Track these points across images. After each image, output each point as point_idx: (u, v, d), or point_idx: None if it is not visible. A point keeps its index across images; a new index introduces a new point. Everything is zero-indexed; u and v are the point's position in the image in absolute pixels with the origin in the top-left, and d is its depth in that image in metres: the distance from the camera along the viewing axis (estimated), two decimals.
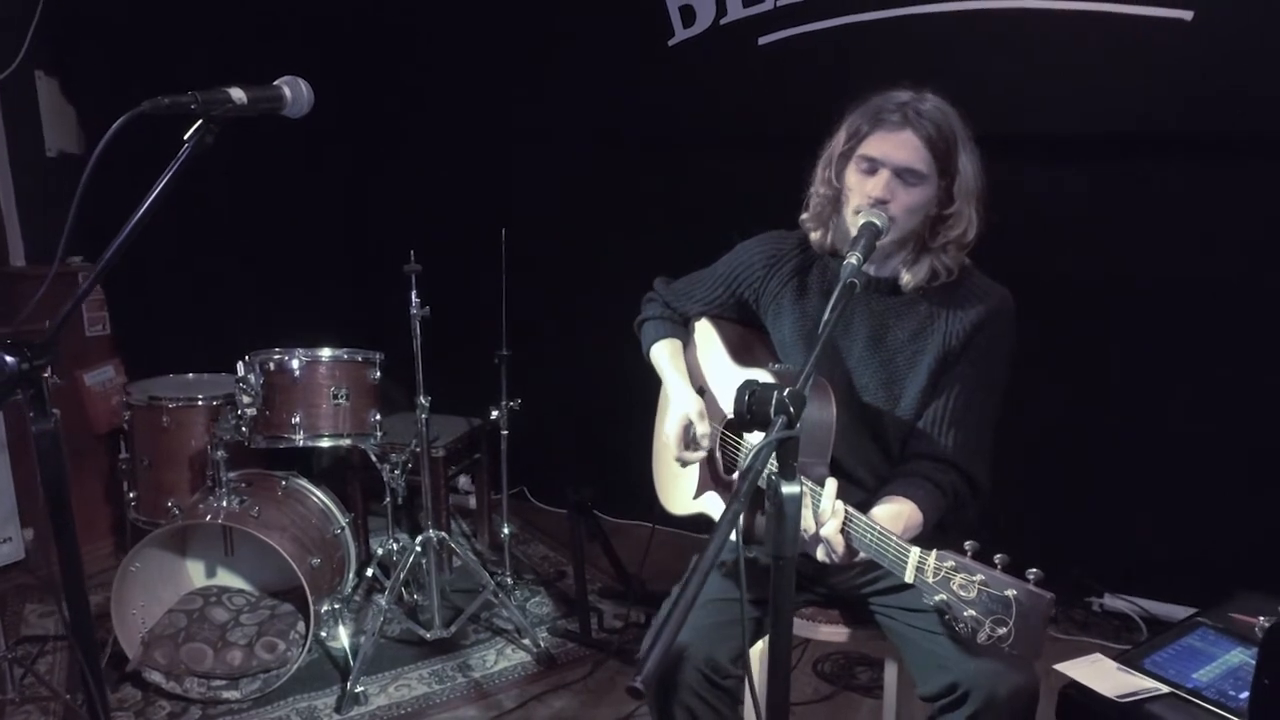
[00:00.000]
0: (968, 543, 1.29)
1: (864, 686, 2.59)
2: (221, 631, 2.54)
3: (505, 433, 3.01)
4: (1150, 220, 2.74)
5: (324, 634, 2.69)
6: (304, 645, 2.49)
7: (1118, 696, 1.52)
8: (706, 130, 3.27)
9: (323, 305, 3.62)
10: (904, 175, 1.59)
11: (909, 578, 1.34)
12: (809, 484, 1.45)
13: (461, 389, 3.20)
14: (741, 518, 1.76)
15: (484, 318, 3.03)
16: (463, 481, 3.74)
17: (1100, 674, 1.60)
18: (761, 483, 1.69)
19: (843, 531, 1.45)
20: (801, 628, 1.88)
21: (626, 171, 3.46)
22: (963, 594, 1.25)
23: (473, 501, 3.67)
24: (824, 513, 1.43)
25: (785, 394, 1.27)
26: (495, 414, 2.97)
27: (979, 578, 1.24)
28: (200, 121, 1.41)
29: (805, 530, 1.45)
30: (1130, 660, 1.63)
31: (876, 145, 1.61)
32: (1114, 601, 2.85)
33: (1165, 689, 1.54)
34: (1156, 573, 2.83)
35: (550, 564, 3.38)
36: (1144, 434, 2.82)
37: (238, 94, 1.42)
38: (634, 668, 2.83)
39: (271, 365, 2.51)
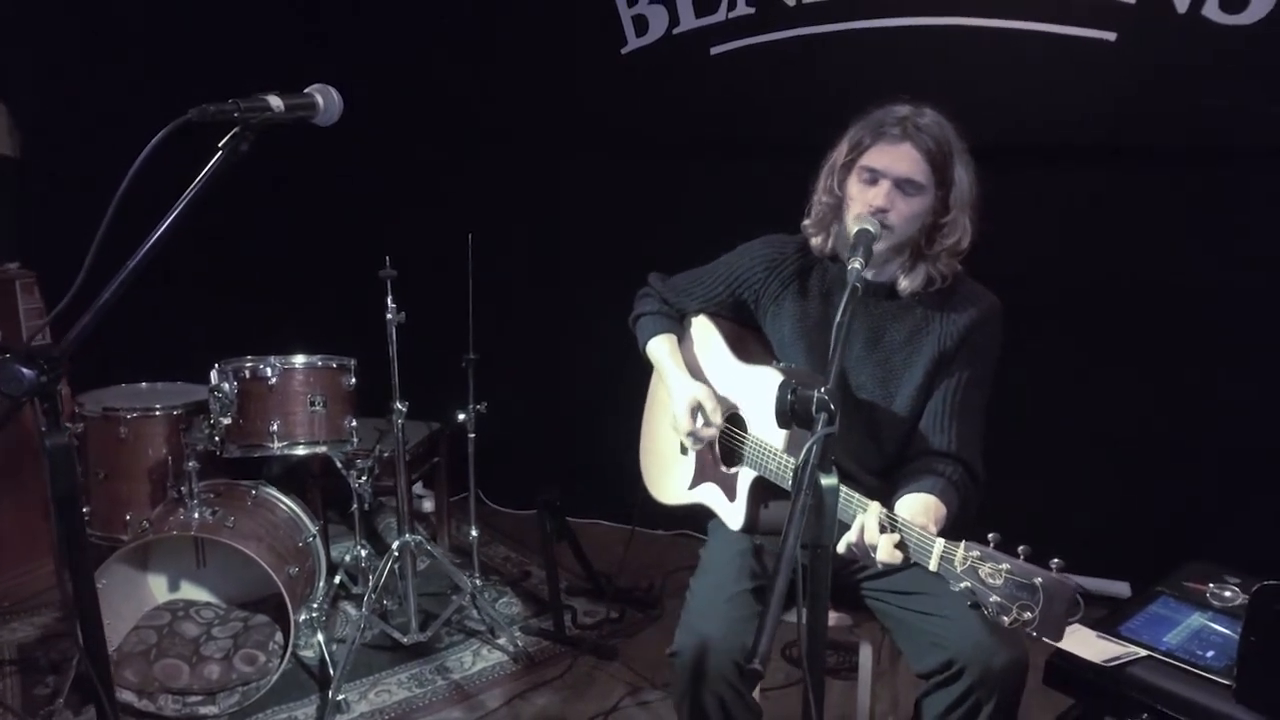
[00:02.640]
0: (991, 535, 1.37)
1: (832, 669, 2.71)
2: (195, 646, 2.48)
3: (472, 435, 3.01)
4: (1078, 225, 2.96)
5: (300, 643, 2.65)
6: (284, 656, 2.45)
7: (1104, 661, 1.68)
8: (662, 137, 3.35)
9: (274, 310, 3.54)
10: (903, 186, 1.69)
11: (933, 566, 1.41)
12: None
13: (417, 393, 3.19)
14: (747, 510, 1.86)
15: (439, 322, 3.03)
16: (415, 486, 3.72)
17: (1083, 642, 1.75)
18: (767, 474, 1.79)
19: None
20: (794, 615, 1.97)
21: (582, 177, 3.51)
22: (990, 581, 1.33)
23: (426, 505, 3.66)
24: (871, 536, 1.49)
25: (824, 392, 1.36)
26: (462, 417, 2.97)
27: (1005, 566, 1.31)
28: (237, 129, 1.40)
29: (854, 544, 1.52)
30: (1107, 628, 1.78)
31: (877, 157, 1.70)
32: None
33: (1143, 652, 1.70)
34: (1088, 550, 3.05)
35: (513, 564, 3.40)
36: (1075, 422, 3.04)
37: (275, 102, 1.43)
38: (613, 662, 2.87)
39: (246, 373, 2.46)
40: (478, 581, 3.04)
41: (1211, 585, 1.93)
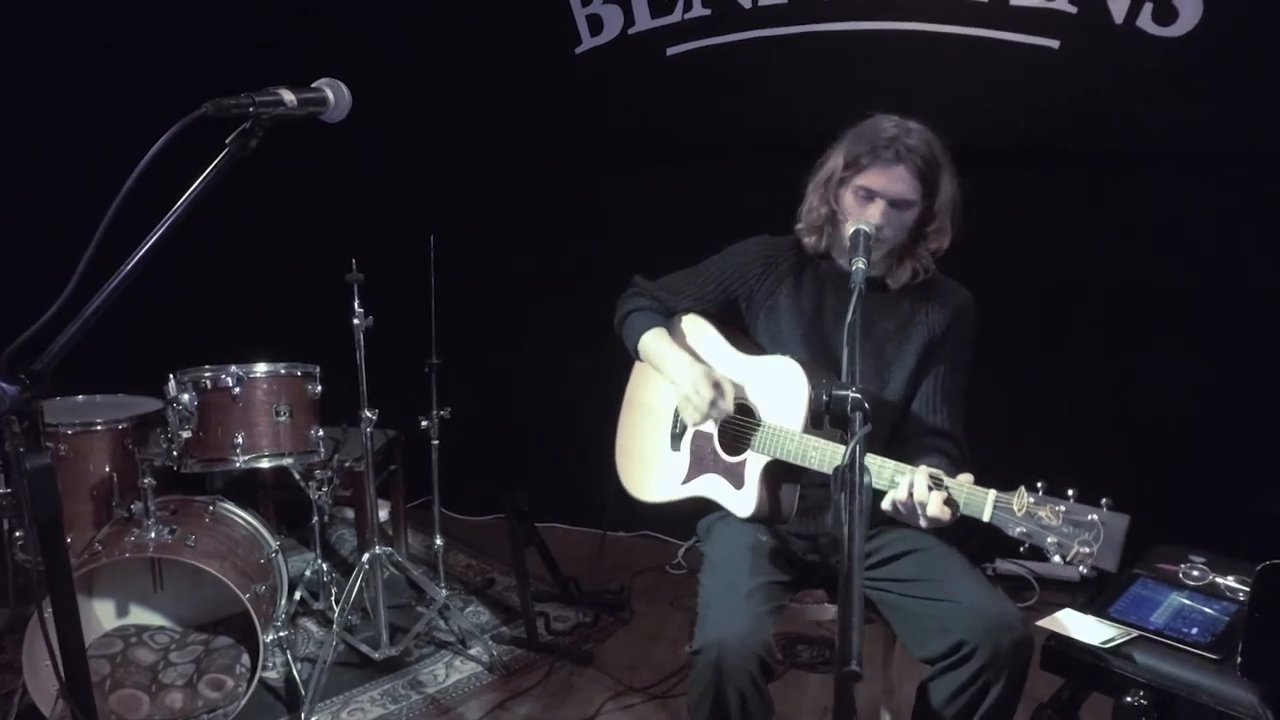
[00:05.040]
0: (1039, 483, 1.50)
1: (807, 663, 2.74)
2: (152, 674, 2.34)
3: (436, 442, 2.94)
4: (1023, 225, 3.07)
5: (269, 665, 2.53)
6: (251, 679, 2.34)
7: (1101, 643, 1.74)
8: (617, 138, 3.33)
9: (210, 316, 3.38)
10: (898, 204, 1.81)
11: (987, 516, 1.53)
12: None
13: (371, 400, 3.09)
14: (758, 495, 1.87)
15: (391, 328, 2.94)
16: None
17: (1077, 626, 1.81)
18: (785, 456, 1.81)
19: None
20: (792, 610, 1.99)
21: (539, 178, 3.46)
22: (1049, 523, 1.45)
23: (380, 514, 3.54)
24: (920, 494, 1.56)
25: (857, 392, 1.39)
26: (425, 423, 2.89)
27: (1062, 508, 1.45)
28: (246, 125, 1.34)
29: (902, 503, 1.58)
30: (1097, 611, 1.85)
31: (874, 179, 1.81)
32: (1005, 565, 3.18)
33: (1134, 633, 1.77)
34: None
35: (475, 572, 3.32)
36: (1024, 415, 3.16)
37: (288, 96, 1.37)
38: (590, 667, 2.83)
39: (206, 383, 2.33)
40: (445, 591, 2.96)
41: (1182, 566, 2.02)
